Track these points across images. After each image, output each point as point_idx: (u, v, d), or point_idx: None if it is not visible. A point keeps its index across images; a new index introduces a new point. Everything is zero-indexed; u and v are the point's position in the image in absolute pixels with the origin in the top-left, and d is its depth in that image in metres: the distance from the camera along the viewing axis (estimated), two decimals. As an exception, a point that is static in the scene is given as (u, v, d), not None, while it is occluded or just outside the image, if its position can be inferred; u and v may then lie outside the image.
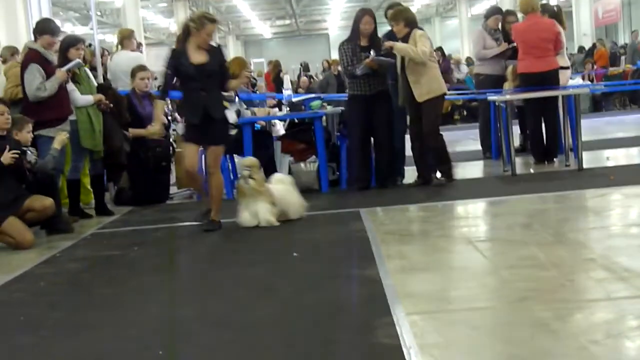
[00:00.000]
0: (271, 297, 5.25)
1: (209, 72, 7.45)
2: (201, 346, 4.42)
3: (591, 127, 11.52)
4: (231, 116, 8.47)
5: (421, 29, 9.69)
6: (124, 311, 5.43)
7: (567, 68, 11.25)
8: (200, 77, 7.43)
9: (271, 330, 4.50)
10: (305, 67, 30.78)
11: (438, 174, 9.78)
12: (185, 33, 7.52)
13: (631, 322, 4.14)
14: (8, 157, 7.65)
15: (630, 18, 39.30)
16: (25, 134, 8.12)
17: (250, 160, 7.68)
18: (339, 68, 16.19)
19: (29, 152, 8.23)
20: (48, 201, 8.01)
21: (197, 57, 7.40)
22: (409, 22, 9.33)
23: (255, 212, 7.39)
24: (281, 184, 7.88)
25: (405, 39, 9.17)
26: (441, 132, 9.65)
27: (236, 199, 7.81)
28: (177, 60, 7.45)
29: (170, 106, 13.49)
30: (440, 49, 21.18)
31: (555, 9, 11.58)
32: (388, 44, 9.09)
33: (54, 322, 5.12)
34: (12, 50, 10.08)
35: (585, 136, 10.60)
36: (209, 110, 7.35)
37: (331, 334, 4.33)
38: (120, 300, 5.79)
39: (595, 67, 19.31)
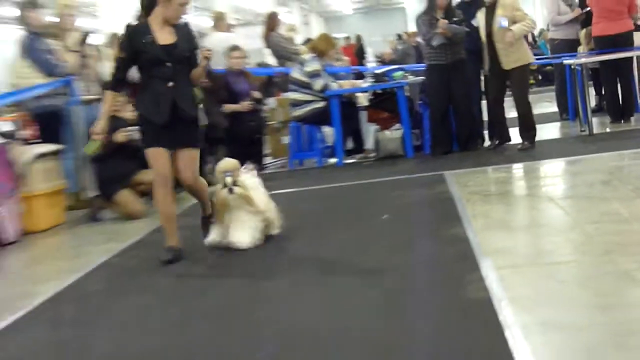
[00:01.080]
0: (367, 257, 5.43)
1: (179, 56, 5.65)
2: (318, 284, 4.78)
3: None
4: (202, 117, 6.84)
5: None
6: (228, 276, 5.68)
7: None
8: (167, 62, 5.59)
9: (367, 287, 4.67)
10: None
11: (520, 139, 9.99)
12: (149, 2, 5.68)
13: None
14: (120, 135, 8.18)
15: None
16: (131, 114, 8.42)
17: (231, 163, 5.96)
18: (417, 39, 16.31)
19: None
20: (153, 175, 8.95)
21: (164, 36, 5.57)
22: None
23: (242, 228, 5.74)
24: (257, 189, 6.16)
25: (492, 5, 9.25)
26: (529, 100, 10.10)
27: (214, 212, 5.95)
28: (136, 40, 5.56)
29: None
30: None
31: None
32: (508, 37, 8.89)
33: (165, 286, 5.45)
34: (114, 38, 10.36)
35: None
36: (181, 105, 5.58)
37: (424, 290, 4.53)
38: (224, 263, 6.06)
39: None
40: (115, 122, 8.26)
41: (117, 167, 8.34)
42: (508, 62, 9.16)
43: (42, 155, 8.28)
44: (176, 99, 5.41)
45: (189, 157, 5.70)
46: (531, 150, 9.68)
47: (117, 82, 5.68)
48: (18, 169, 8.02)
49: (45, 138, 8.81)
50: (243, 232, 5.71)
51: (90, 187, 8.71)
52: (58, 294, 5.50)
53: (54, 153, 8.59)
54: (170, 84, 5.43)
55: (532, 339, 3.44)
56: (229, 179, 5.56)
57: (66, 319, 4.95)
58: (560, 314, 3.91)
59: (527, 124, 9.66)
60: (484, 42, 9.48)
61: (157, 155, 5.56)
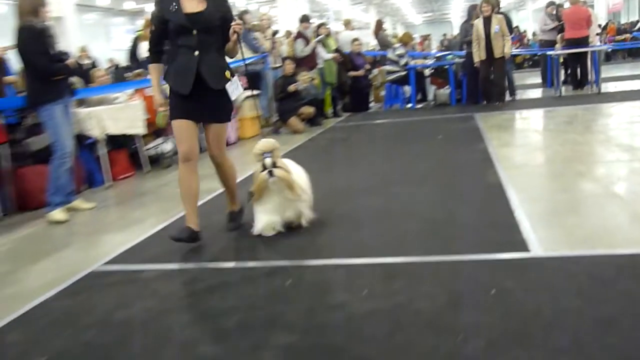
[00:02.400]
0: (428, 159, 5.76)
1: (206, 24, 3.64)
2: (392, 182, 4.97)
3: (605, 69, 11.64)
4: (236, 92, 3.81)
5: (501, 13, 10.19)
6: (351, 164, 6.22)
7: (598, 34, 12.09)
8: (193, 30, 3.63)
9: (428, 178, 4.94)
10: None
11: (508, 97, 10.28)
12: None
13: (625, 171, 4.73)
14: (292, 87, 9.04)
15: (628, 7, 41.30)
16: (300, 77, 9.33)
17: (270, 143, 3.69)
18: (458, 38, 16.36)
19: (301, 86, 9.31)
20: (311, 109, 9.26)
21: (192, 4, 3.65)
22: (495, 6, 9.87)
23: (286, 212, 3.68)
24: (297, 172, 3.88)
25: (489, 17, 9.60)
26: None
27: (252, 199, 3.66)
28: (163, 9, 3.66)
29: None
30: (517, 27, 21.83)
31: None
32: (507, 48, 9.58)
33: (317, 167, 6.05)
34: (289, 33, 11.38)
35: (602, 74, 10.82)
36: (204, 76, 3.63)
37: (463, 177, 4.80)
38: (345, 156, 6.75)
39: (607, 35, 20.08)
40: (291, 79, 9.20)
41: (289, 104, 9.11)
42: (497, 52, 9.57)
43: (249, 97, 8.64)
44: (201, 69, 3.60)
45: (215, 133, 3.84)
46: (522, 101, 10.19)
47: (156, 55, 3.79)
48: (237, 104, 8.52)
49: (251, 87, 8.87)
50: (278, 216, 3.67)
51: (274, 114, 9.52)
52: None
53: (255, 95, 8.96)
54: (196, 53, 3.61)
55: (523, 205, 3.81)
56: (268, 160, 3.61)
57: None
58: (540, 192, 4.27)
59: (501, 88, 10.05)
60: (481, 39, 9.64)
61: (181, 129, 3.69)
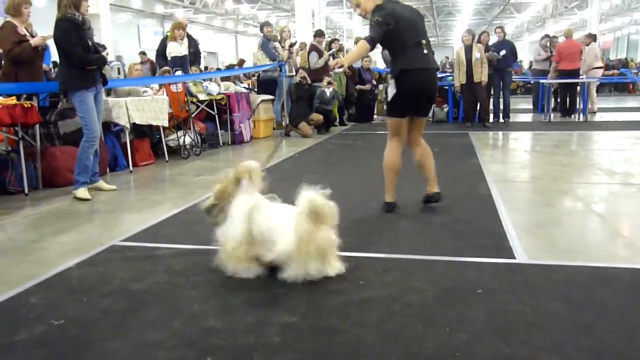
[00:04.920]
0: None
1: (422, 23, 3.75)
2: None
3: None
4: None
5: (507, 41, 10.42)
6: (354, 165, 6.34)
7: (600, 68, 11.95)
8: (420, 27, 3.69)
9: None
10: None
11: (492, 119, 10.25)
12: None
13: (605, 192, 4.74)
14: (305, 93, 9.16)
15: (617, 46, 40.70)
16: (307, 81, 9.23)
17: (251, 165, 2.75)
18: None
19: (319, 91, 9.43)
20: (320, 117, 9.29)
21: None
22: (479, 42, 9.88)
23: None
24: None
25: (470, 45, 9.60)
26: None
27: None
28: (393, 13, 3.61)
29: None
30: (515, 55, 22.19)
31: (594, 35, 12.16)
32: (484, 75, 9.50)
33: (324, 169, 6.16)
34: (304, 45, 11.22)
35: (588, 104, 10.96)
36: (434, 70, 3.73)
37: (457, 188, 4.72)
38: (350, 159, 6.77)
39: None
40: (301, 86, 9.16)
41: (301, 109, 9.18)
42: (477, 78, 9.57)
43: (264, 101, 9.09)
44: (431, 65, 3.82)
45: (422, 124, 4.00)
46: (512, 124, 10.21)
47: (372, 41, 3.60)
48: (253, 106, 8.81)
49: (266, 92, 9.55)
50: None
51: (286, 118, 9.54)
52: (268, 168, 6.07)
53: (270, 100, 9.36)
54: (425, 50, 3.73)
55: (511, 215, 3.84)
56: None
57: (273, 179, 4.50)
58: (527, 205, 4.30)
59: (486, 111, 10.07)
60: (462, 65, 9.64)
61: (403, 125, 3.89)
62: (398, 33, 3.63)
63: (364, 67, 11.25)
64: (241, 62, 16.17)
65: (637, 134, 8.62)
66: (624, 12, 42.19)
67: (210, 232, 3.46)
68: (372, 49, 3.67)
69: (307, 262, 2.51)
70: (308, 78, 9.21)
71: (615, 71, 21.45)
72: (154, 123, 6.39)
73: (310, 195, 2.51)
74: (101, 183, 5.07)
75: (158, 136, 6.75)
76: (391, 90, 3.79)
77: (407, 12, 3.73)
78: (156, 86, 7.01)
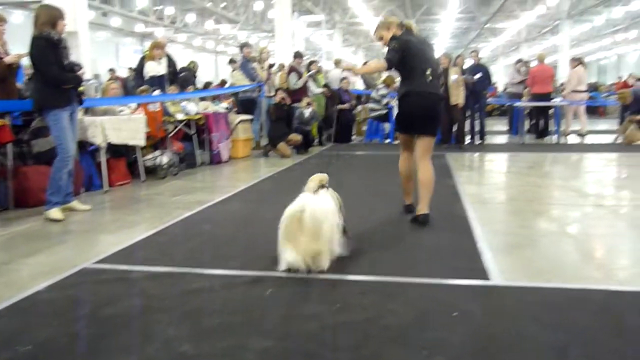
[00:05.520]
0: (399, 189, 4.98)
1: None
2: (368, 207, 4.99)
3: (564, 123, 11.80)
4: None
5: (481, 65, 10.61)
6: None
7: (583, 91, 11.78)
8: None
9: (400, 207, 4.66)
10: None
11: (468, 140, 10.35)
12: (403, 27, 4.23)
13: (578, 214, 4.76)
14: (284, 113, 9.16)
15: (589, 70, 44.77)
16: (287, 102, 9.23)
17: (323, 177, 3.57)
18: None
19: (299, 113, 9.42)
20: (299, 137, 9.21)
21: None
22: (455, 65, 9.86)
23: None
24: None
25: (447, 69, 9.55)
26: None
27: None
28: (408, 42, 4.13)
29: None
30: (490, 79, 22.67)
31: (579, 59, 12.13)
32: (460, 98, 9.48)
33: (301, 187, 5.30)
34: (282, 66, 11.39)
35: (561, 126, 11.14)
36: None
37: (434, 209, 4.42)
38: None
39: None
40: (280, 107, 9.16)
41: (280, 129, 9.14)
42: (454, 100, 9.56)
43: (242, 121, 9.01)
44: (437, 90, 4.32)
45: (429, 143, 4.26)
46: (487, 145, 10.28)
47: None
48: (231, 126, 8.73)
49: (246, 112, 9.49)
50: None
51: (265, 138, 9.49)
52: (246, 188, 6.08)
53: (249, 120, 9.28)
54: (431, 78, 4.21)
55: (486, 237, 3.86)
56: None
57: (250, 199, 5.48)
58: (501, 227, 4.31)
59: (462, 133, 10.13)
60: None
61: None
62: (408, 60, 4.13)
63: (343, 88, 11.32)
64: (223, 83, 16.23)
65: (608, 156, 8.79)
66: (593, 38, 43.48)
67: (186, 253, 3.44)
68: (388, 68, 4.19)
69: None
70: (288, 99, 9.18)
71: (586, 95, 22.00)
72: (131, 142, 6.32)
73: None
74: (75, 203, 4.97)
75: (134, 156, 6.66)
76: (396, 109, 4.39)
77: (419, 44, 4.22)
78: (134, 105, 6.93)
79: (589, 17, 37.11)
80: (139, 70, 8.40)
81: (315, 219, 2.94)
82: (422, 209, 4.18)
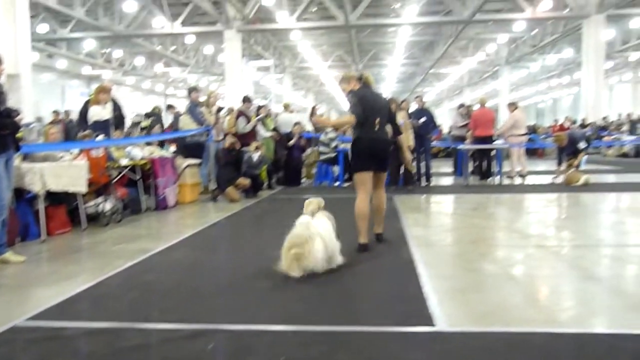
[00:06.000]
0: (349, 234, 5.02)
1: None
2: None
3: (506, 164, 12.21)
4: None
5: (425, 109, 10.93)
6: (279, 234, 5.23)
7: (523, 134, 12.27)
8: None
9: (347, 250, 4.82)
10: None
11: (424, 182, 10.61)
12: (361, 80, 5.10)
13: (521, 255, 4.87)
14: (233, 157, 9.05)
15: (528, 112, 49.15)
16: (237, 146, 9.18)
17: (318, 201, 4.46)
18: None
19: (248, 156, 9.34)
20: (247, 181, 9.12)
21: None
22: (397, 105, 9.75)
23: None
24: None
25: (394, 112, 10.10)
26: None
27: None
28: (363, 98, 5.03)
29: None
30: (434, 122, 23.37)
31: (515, 103, 12.61)
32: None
33: (250, 233, 6.04)
34: (231, 110, 11.43)
35: (505, 167, 11.52)
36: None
37: (381, 253, 4.74)
38: (277, 224, 5.84)
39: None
40: (229, 152, 9.10)
41: (228, 173, 9.02)
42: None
43: (190, 165, 8.93)
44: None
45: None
46: (434, 187, 10.49)
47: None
48: (178, 170, 8.63)
49: (194, 156, 9.37)
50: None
51: (213, 183, 9.30)
52: (192, 235, 5.97)
53: (196, 165, 9.22)
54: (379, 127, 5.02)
55: (432, 281, 3.88)
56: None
57: (196, 247, 5.39)
58: (447, 270, 4.35)
59: (411, 176, 10.22)
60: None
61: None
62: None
63: (294, 132, 11.41)
64: (144, 128, 16.13)
65: (548, 196, 9.09)
66: (530, 83, 45.84)
67: (126, 307, 3.29)
68: (357, 121, 4.99)
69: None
70: (238, 143, 9.21)
71: (526, 137, 22.95)
72: (72, 189, 6.11)
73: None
74: (8, 255, 4.73)
75: (75, 203, 6.43)
76: (350, 153, 5.23)
77: (372, 98, 5.14)
78: (76, 151, 6.74)
79: (526, 64, 39.22)
80: (82, 115, 8.21)
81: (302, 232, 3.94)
82: (379, 229, 5.25)
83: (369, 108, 5.02)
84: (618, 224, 6.50)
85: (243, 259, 4.70)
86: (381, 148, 5.09)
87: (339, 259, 4.16)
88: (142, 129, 9.47)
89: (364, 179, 5.03)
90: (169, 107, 11.95)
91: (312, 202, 4.41)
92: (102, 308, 3.39)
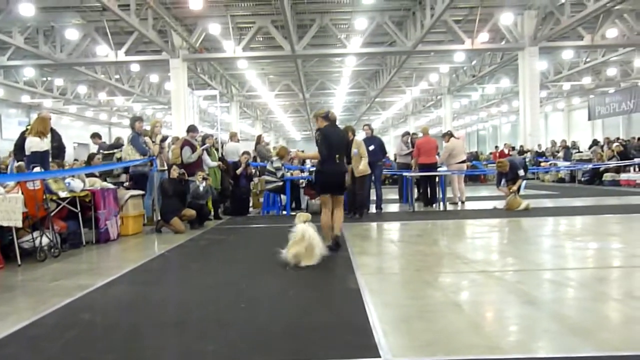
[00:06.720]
0: None
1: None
2: (258, 283, 4.91)
3: (449, 190, 12.45)
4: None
5: (375, 137, 11.13)
6: (226, 262, 6.13)
7: (463, 162, 12.86)
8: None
9: (292, 281, 5.00)
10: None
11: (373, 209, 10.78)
12: (328, 118, 6.44)
13: (465, 281, 4.90)
14: (180, 188, 8.90)
15: (469, 140, 51.49)
16: (186, 177, 9.04)
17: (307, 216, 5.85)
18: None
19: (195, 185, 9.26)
20: (193, 212, 9.02)
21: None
22: (352, 133, 9.98)
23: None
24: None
25: (351, 141, 9.43)
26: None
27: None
28: (327, 137, 6.37)
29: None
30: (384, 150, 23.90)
31: (449, 133, 13.15)
32: (361, 166, 9.54)
33: (196, 267, 5.90)
34: (176, 139, 11.31)
35: (448, 194, 11.81)
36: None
37: (328, 281, 4.89)
38: (222, 256, 6.51)
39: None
40: (173, 183, 8.94)
41: (173, 204, 8.88)
42: (358, 173, 9.72)
43: (133, 196, 8.73)
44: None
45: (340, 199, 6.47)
46: (380, 214, 10.57)
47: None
48: (121, 202, 8.43)
49: (137, 187, 9.27)
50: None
51: (157, 214, 9.16)
52: (134, 269, 5.80)
53: (140, 195, 9.01)
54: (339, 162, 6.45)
55: (378, 310, 3.86)
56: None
57: (138, 281, 5.22)
58: (392, 298, 4.33)
59: (363, 204, 10.30)
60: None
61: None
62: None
63: (241, 161, 11.40)
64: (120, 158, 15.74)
65: (490, 222, 9.26)
66: (471, 111, 47.55)
67: (58, 350, 3.13)
68: (322, 157, 6.45)
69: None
70: (186, 174, 9.07)
71: (469, 163, 23.59)
72: (5, 224, 5.83)
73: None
74: None
75: (10, 237, 6.13)
76: (314, 179, 6.79)
77: (335, 136, 6.48)
78: (11, 184, 6.45)
79: (467, 93, 40.72)
80: (19, 146, 7.89)
81: (307, 234, 5.40)
82: (337, 232, 6.41)
83: (333, 145, 6.33)
84: (557, 247, 6.67)
85: (187, 294, 4.59)
86: (337, 178, 6.43)
87: (324, 251, 5.64)
88: (118, 159, 9.23)
89: (325, 200, 6.45)
90: (94, 135, 11.62)
91: (302, 215, 5.77)
92: (35, 351, 3.21)
